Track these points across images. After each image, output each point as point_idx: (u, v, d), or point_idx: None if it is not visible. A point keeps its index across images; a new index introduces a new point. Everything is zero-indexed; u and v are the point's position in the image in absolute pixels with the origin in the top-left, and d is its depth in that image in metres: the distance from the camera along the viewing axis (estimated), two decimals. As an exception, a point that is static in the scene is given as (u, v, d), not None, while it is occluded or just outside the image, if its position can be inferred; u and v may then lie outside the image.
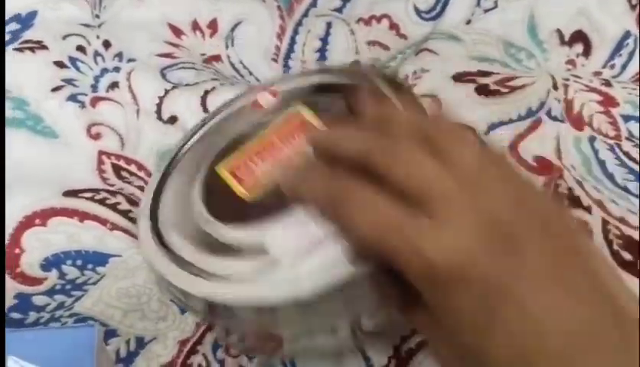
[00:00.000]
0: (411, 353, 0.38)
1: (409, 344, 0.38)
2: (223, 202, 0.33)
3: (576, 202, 0.43)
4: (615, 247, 0.41)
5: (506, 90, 0.47)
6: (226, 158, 0.35)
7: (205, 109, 0.46)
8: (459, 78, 0.48)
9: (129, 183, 0.43)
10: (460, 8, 0.52)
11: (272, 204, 0.31)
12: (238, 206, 0.33)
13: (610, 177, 0.44)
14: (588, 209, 0.42)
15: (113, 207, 0.42)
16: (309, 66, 0.51)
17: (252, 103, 0.38)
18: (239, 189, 0.34)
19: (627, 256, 0.41)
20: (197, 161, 0.36)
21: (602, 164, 0.44)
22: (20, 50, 0.49)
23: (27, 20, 0.51)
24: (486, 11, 0.52)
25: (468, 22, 0.52)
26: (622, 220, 0.42)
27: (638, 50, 0.50)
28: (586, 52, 0.50)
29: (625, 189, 0.43)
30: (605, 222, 0.42)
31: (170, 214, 0.33)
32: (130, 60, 0.50)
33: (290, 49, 0.51)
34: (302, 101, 0.36)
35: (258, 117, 0.37)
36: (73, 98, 0.47)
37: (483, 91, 0.47)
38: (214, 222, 0.32)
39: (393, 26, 0.52)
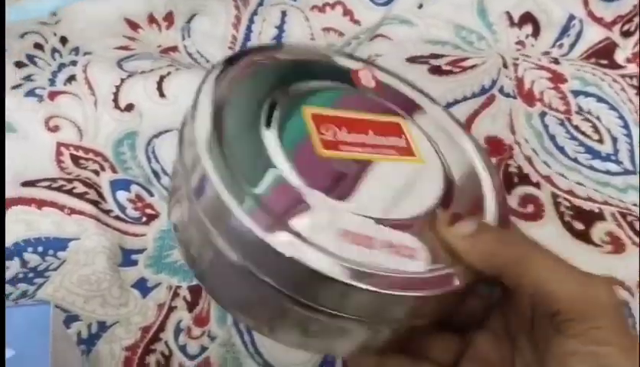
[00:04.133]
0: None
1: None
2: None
3: (525, 178, 0.44)
4: (567, 218, 0.42)
5: (458, 70, 0.48)
6: (314, 102, 0.33)
7: (162, 94, 0.46)
8: (413, 61, 0.49)
9: (85, 168, 0.44)
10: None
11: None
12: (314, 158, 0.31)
13: (561, 149, 0.45)
14: (537, 185, 0.44)
15: (69, 192, 0.42)
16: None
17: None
18: (317, 142, 0.32)
19: (579, 226, 0.42)
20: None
21: (552, 138, 0.46)
22: (-24, 50, 0.49)
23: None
24: (436, -6, 0.53)
25: (420, 6, 0.53)
26: (570, 192, 0.43)
27: (584, 31, 0.51)
28: (535, 33, 0.51)
29: (576, 161, 0.45)
30: (554, 196, 0.43)
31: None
32: (87, 53, 0.50)
33: (246, 37, 0.52)
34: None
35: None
36: (31, 93, 0.47)
37: (436, 71, 0.48)
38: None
39: (347, 12, 0.53)
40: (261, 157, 0.30)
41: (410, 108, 0.37)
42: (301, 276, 0.27)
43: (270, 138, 0.31)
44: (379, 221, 0.30)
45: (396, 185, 0.33)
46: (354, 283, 0.27)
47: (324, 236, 0.28)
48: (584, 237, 0.42)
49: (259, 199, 0.28)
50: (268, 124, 0.32)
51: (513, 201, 0.43)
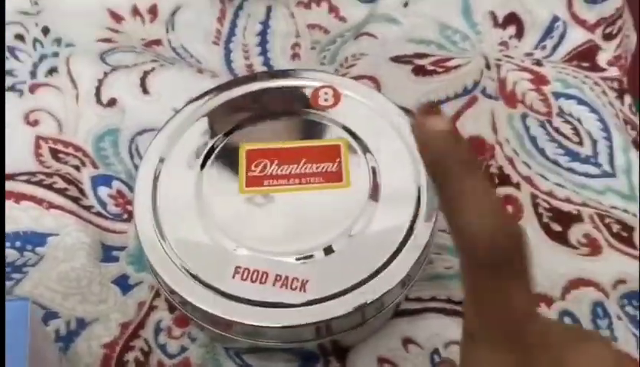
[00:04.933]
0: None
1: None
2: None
3: (506, 179, 0.44)
4: (545, 219, 0.43)
5: (441, 70, 0.48)
6: (256, 137, 0.39)
7: (145, 91, 0.46)
8: (397, 60, 0.49)
9: (65, 163, 0.43)
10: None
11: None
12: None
13: (542, 151, 0.46)
14: (517, 186, 0.44)
15: (49, 187, 0.42)
16: (251, 51, 0.51)
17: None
18: (242, 180, 0.37)
19: (556, 227, 0.43)
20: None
21: (533, 140, 0.46)
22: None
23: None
24: (421, -8, 0.53)
25: (406, 5, 0.53)
26: (549, 194, 0.44)
27: (568, 33, 0.52)
28: (519, 34, 0.52)
29: (556, 163, 0.45)
30: (534, 197, 0.44)
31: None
32: (69, 45, 0.49)
33: (231, 32, 0.52)
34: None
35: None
36: (12, 88, 0.47)
37: (420, 71, 0.49)
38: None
39: (333, 9, 0.53)
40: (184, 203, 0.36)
41: (362, 124, 0.39)
42: (203, 314, 0.34)
43: (200, 182, 0.37)
44: (277, 254, 0.34)
45: (306, 216, 0.36)
46: (236, 319, 0.33)
47: (217, 277, 0.33)
48: (561, 238, 0.42)
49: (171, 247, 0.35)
50: (202, 167, 0.38)
51: (493, 202, 0.43)
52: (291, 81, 0.42)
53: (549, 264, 0.41)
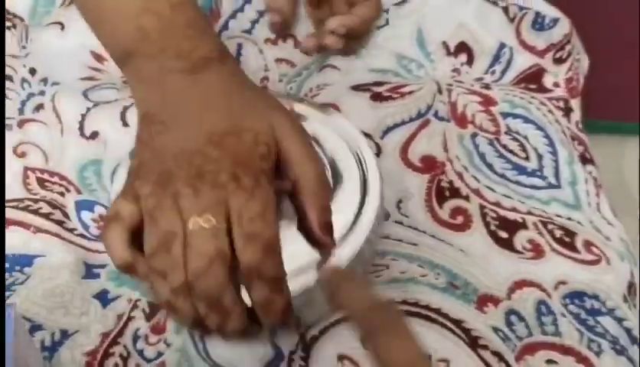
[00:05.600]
0: (314, 339, 0.42)
1: (313, 332, 0.42)
2: None
3: (456, 192, 0.48)
4: (493, 228, 0.47)
5: (397, 96, 0.53)
6: None
7: (125, 123, 0.50)
8: (356, 88, 0.54)
9: (51, 190, 0.47)
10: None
11: None
12: None
13: (490, 166, 0.50)
14: (466, 198, 0.48)
15: (35, 212, 0.46)
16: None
17: None
18: None
19: (503, 234, 0.46)
20: None
21: (482, 156, 0.50)
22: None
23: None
24: (379, 27, 0.58)
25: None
26: (497, 204, 0.48)
27: (515, 58, 0.56)
28: (470, 61, 0.56)
29: (503, 177, 0.49)
30: (482, 207, 0.47)
31: None
32: (54, 84, 0.54)
33: (204, 68, 0.56)
34: None
35: None
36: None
37: (377, 98, 0.53)
38: None
39: (298, 44, 0.57)
40: None
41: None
42: None
43: None
44: None
45: None
46: None
47: None
48: (507, 244, 0.46)
49: None
50: None
51: (444, 214, 0.47)
52: None
53: (496, 268, 0.44)
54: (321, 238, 0.38)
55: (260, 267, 0.35)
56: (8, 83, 0.54)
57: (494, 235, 0.46)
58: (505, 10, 0.57)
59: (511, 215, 0.47)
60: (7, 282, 0.43)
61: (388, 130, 0.51)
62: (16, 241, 0.44)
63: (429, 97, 0.53)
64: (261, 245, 0.35)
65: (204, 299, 0.34)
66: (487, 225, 0.46)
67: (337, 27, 0.53)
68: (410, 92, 0.53)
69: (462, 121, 0.52)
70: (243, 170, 0.36)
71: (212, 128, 0.37)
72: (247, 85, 0.42)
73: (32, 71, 0.55)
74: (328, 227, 0.38)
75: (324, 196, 0.39)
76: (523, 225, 0.47)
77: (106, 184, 0.48)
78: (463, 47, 0.57)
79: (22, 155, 0.49)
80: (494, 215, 0.47)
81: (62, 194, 0.47)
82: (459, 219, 0.47)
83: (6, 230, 0.45)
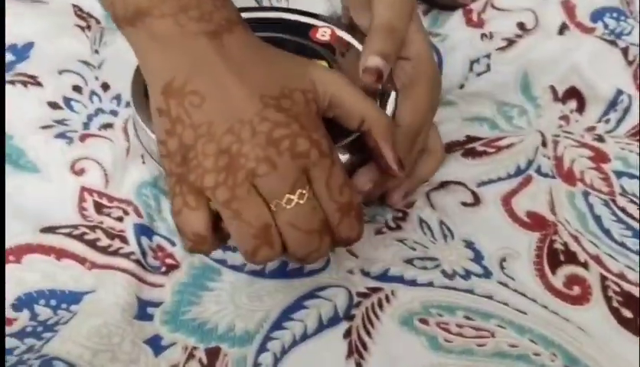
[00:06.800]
0: None
1: None
2: None
3: (572, 257, 0.41)
4: (615, 304, 0.39)
5: (492, 150, 0.47)
6: None
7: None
8: (449, 149, 0.47)
9: (108, 215, 0.42)
10: (454, 73, 0.53)
11: None
12: None
13: (607, 232, 0.43)
14: (585, 265, 0.41)
15: (92, 244, 0.40)
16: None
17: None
18: None
19: (627, 313, 0.39)
20: None
21: (597, 219, 0.43)
22: (12, 82, 0.48)
23: (23, 51, 0.51)
24: (479, 74, 0.52)
25: (462, 87, 0.52)
26: (620, 276, 0.40)
27: (633, 107, 0.50)
28: (580, 108, 0.50)
29: (623, 246, 0.42)
30: (603, 278, 0.40)
31: None
32: (128, 105, 0.48)
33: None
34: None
35: None
36: (61, 135, 0.46)
37: (470, 153, 0.47)
38: None
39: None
40: None
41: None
42: None
43: None
44: None
45: None
46: None
47: None
48: (632, 326, 0.38)
49: None
50: None
51: (558, 281, 0.40)
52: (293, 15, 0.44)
53: (619, 353, 0.37)
54: (395, 173, 0.37)
55: (359, 237, 0.35)
56: (74, 94, 0.49)
57: (616, 313, 0.39)
58: (625, 52, 0.51)
59: (636, 291, 0.40)
60: (50, 321, 0.38)
61: (483, 183, 0.45)
62: (68, 277, 0.39)
63: (531, 150, 0.46)
64: (356, 216, 0.34)
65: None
66: (608, 300, 0.39)
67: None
68: (509, 146, 0.47)
69: (569, 178, 0.45)
70: (317, 133, 0.33)
71: (263, 91, 0.32)
72: (270, 47, 0.36)
73: (105, 86, 0.50)
74: (402, 162, 0.37)
75: (393, 132, 0.37)
76: (651, 306, 0.39)
77: (164, 208, 0.43)
78: (574, 93, 0.51)
79: (80, 173, 0.44)
80: (617, 289, 0.40)
81: (120, 219, 0.42)
82: (576, 290, 0.40)
83: (57, 262, 0.39)
